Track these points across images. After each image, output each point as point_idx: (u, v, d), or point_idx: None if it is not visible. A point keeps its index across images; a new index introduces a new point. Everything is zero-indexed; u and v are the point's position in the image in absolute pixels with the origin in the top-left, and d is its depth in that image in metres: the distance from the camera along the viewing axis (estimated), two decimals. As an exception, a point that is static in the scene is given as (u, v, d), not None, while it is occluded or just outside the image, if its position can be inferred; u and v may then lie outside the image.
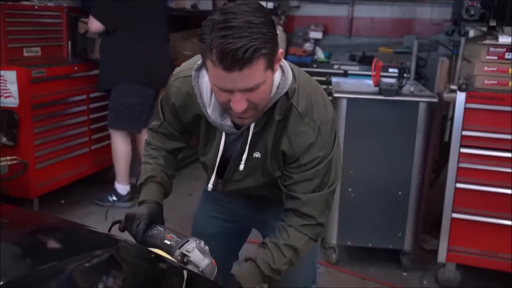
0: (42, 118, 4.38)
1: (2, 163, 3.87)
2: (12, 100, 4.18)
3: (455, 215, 3.48)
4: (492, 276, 3.64)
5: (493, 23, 4.46)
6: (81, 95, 4.75)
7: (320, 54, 6.95)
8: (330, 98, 2.00)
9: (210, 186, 1.95)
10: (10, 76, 4.16)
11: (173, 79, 1.89)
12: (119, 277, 1.64)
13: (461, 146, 3.41)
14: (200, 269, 1.63)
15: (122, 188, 4.70)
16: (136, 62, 4.45)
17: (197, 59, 1.78)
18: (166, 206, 1.97)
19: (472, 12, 4.59)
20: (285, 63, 1.75)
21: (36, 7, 4.50)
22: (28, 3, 4.44)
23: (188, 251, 1.66)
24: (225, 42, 1.45)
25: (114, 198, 4.68)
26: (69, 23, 4.68)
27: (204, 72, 1.73)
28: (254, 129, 1.76)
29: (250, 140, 1.79)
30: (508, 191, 3.36)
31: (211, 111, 1.77)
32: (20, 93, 4.17)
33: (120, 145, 4.61)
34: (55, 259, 1.52)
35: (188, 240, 1.70)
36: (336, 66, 6.41)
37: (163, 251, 1.70)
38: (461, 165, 3.43)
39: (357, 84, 4.15)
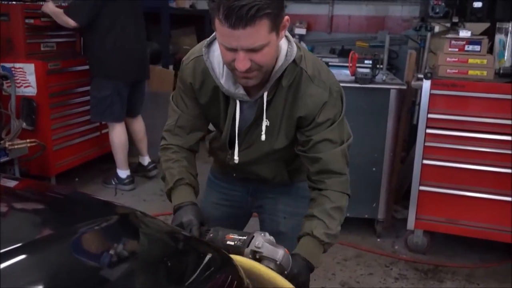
0: (58, 105, 4.38)
1: (23, 145, 3.88)
2: (31, 90, 4.20)
3: (422, 188, 3.52)
4: (454, 240, 3.70)
5: (455, 19, 4.50)
6: (92, 84, 4.72)
7: (304, 48, 6.96)
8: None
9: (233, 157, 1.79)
10: (29, 69, 4.17)
11: (185, 63, 1.77)
12: (128, 242, 1.64)
13: (427, 127, 3.44)
14: (278, 262, 1.43)
15: (123, 172, 4.64)
16: (108, 57, 4.25)
17: (203, 44, 1.70)
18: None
19: (437, 10, 4.63)
20: (288, 34, 1.65)
21: (51, 7, 4.47)
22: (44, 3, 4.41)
23: (259, 247, 1.44)
24: (232, 0, 1.36)
25: (116, 181, 4.67)
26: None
27: (213, 47, 1.66)
28: (267, 97, 1.66)
29: (263, 108, 1.68)
30: (468, 166, 3.40)
31: (224, 81, 1.65)
32: (38, 83, 4.19)
33: (115, 135, 4.50)
34: (75, 223, 1.54)
35: (253, 236, 1.48)
36: (318, 59, 6.37)
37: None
38: (427, 144, 3.46)
39: (336, 74, 3.96)
